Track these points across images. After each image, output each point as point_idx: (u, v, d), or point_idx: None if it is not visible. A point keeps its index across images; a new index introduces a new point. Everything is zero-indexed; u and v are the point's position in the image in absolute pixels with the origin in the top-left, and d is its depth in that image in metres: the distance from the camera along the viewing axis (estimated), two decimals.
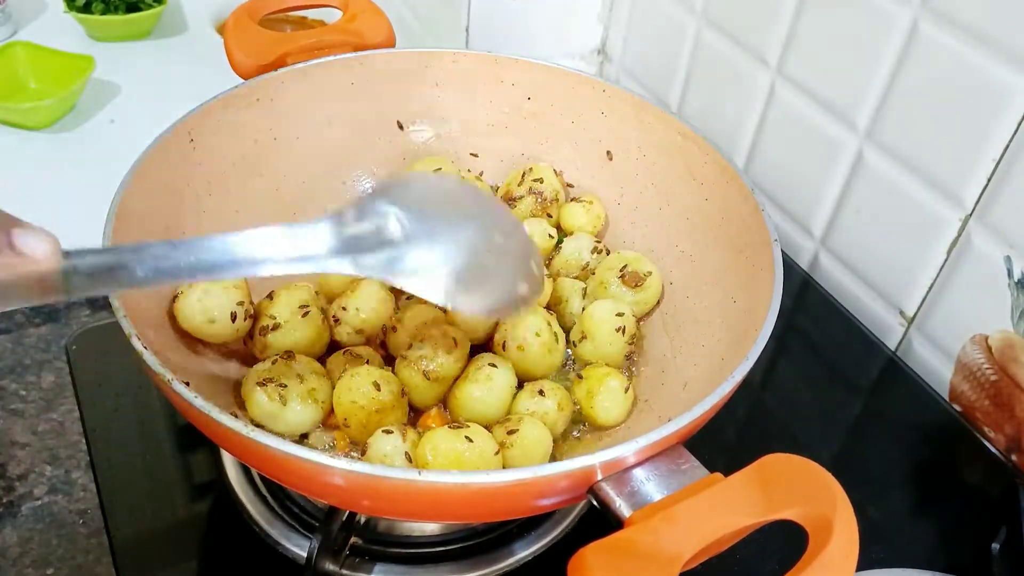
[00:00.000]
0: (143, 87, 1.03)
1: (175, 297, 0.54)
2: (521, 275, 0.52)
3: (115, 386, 0.65)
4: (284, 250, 0.44)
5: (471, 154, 0.73)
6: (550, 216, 0.69)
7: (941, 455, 0.67)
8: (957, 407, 0.70)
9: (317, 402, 0.53)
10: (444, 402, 0.57)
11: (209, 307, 0.53)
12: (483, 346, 0.60)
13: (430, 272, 0.47)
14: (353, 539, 0.54)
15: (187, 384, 0.42)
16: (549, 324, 0.58)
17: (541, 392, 0.55)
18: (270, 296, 0.58)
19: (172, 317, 0.54)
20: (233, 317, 0.54)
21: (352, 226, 0.46)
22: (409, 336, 0.57)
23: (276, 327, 0.56)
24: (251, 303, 0.57)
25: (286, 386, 0.52)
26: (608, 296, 0.62)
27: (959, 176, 0.65)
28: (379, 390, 0.52)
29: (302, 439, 0.53)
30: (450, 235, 0.48)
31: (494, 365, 0.55)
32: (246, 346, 0.58)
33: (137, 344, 0.44)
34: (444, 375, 0.55)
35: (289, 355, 0.54)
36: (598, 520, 0.40)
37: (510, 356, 0.57)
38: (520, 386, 0.56)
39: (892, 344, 0.75)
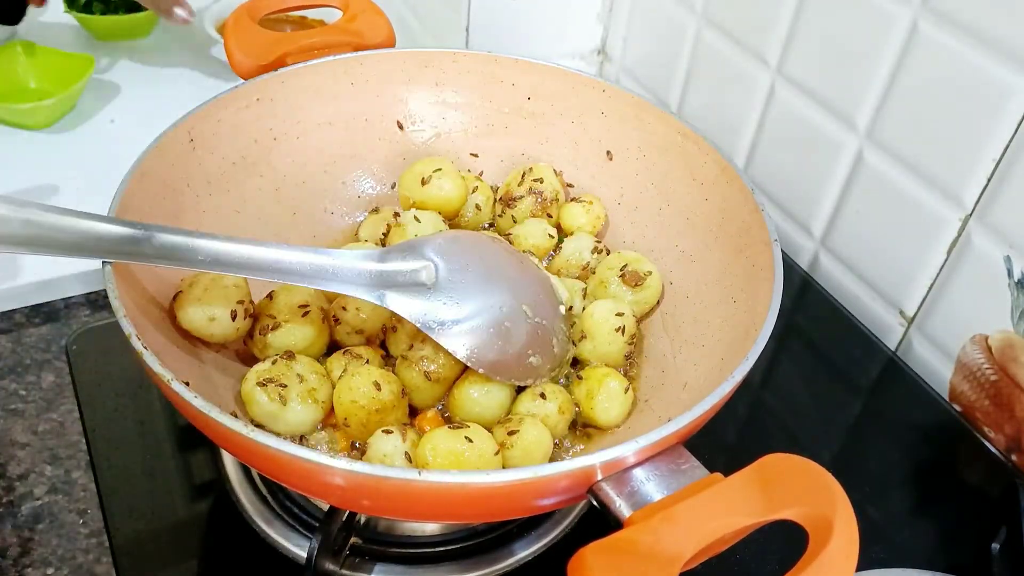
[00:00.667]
0: (143, 87, 1.03)
1: (175, 296, 0.54)
2: (537, 347, 0.55)
3: (115, 386, 0.65)
4: (326, 272, 0.51)
5: (471, 154, 0.73)
6: (550, 216, 0.69)
7: (941, 455, 0.67)
8: (957, 407, 0.70)
9: (317, 402, 0.53)
10: (442, 403, 0.57)
11: (209, 306, 0.53)
12: None
13: (447, 324, 0.52)
14: (353, 539, 0.54)
15: (187, 384, 0.42)
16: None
17: (543, 395, 0.55)
18: (270, 296, 0.58)
19: (172, 317, 0.54)
20: (233, 316, 0.54)
21: (391, 262, 0.53)
22: (409, 336, 0.57)
23: (276, 327, 0.56)
24: (251, 302, 0.57)
25: (286, 386, 0.52)
26: (608, 296, 0.62)
27: (959, 176, 0.65)
28: (379, 390, 0.52)
29: (302, 439, 0.53)
30: (480, 298, 0.54)
31: None
32: (246, 346, 0.58)
33: (137, 344, 0.44)
34: (445, 376, 0.55)
35: (289, 355, 0.54)
36: (598, 520, 0.40)
37: None
38: (521, 388, 0.56)
39: (892, 344, 0.75)
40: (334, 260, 0.52)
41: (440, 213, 0.67)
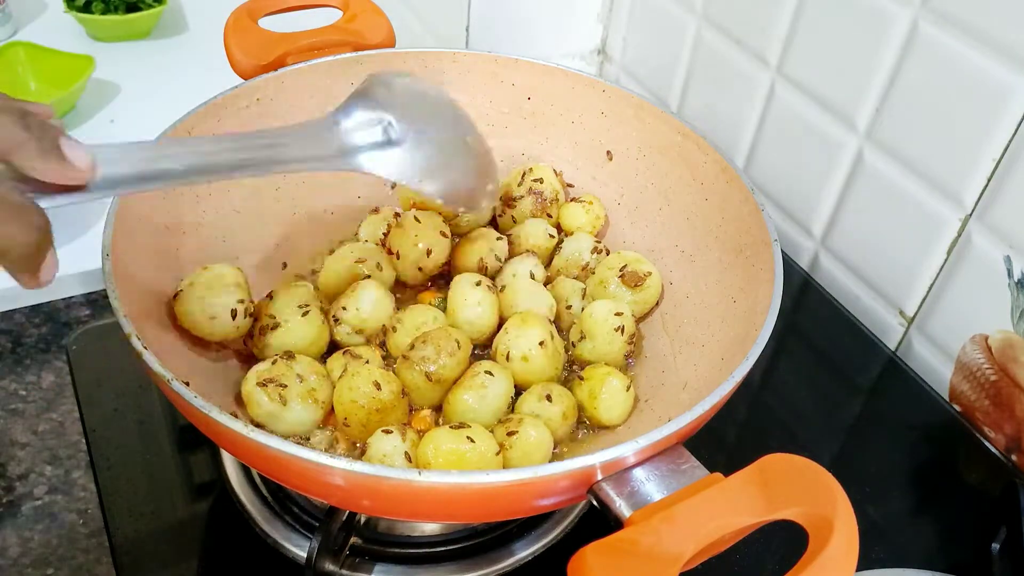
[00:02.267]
0: (143, 87, 1.03)
1: (175, 295, 0.54)
2: (488, 173, 0.58)
3: (115, 386, 0.65)
4: (301, 151, 0.50)
5: None
6: (550, 216, 0.69)
7: (941, 455, 0.67)
8: (957, 407, 0.70)
9: (317, 402, 0.53)
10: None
11: (210, 304, 0.53)
12: (483, 348, 0.60)
13: (413, 165, 0.53)
14: (353, 539, 0.54)
15: (187, 384, 0.42)
16: (552, 336, 0.57)
17: (548, 398, 0.54)
18: (269, 296, 0.58)
19: (172, 316, 0.54)
20: (233, 314, 0.54)
21: (354, 133, 0.52)
22: (409, 337, 0.57)
23: (276, 327, 0.56)
24: (251, 301, 0.57)
25: (286, 386, 0.52)
26: (607, 296, 0.62)
27: (959, 176, 0.65)
28: (380, 389, 0.52)
29: (302, 439, 0.53)
30: (432, 135, 0.54)
31: (490, 373, 0.55)
32: (246, 346, 0.58)
33: (137, 344, 0.44)
34: (446, 377, 0.55)
35: (289, 355, 0.54)
36: (598, 520, 0.40)
37: (513, 367, 0.56)
38: (520, 390, 0.56)
39: (892, 344, 0.75)
40: (295, 134, 0.50)
41: (439, 213, 0.67)
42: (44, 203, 0.39)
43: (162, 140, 0.52)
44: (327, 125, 0.51)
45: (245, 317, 0.55)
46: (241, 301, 0.55)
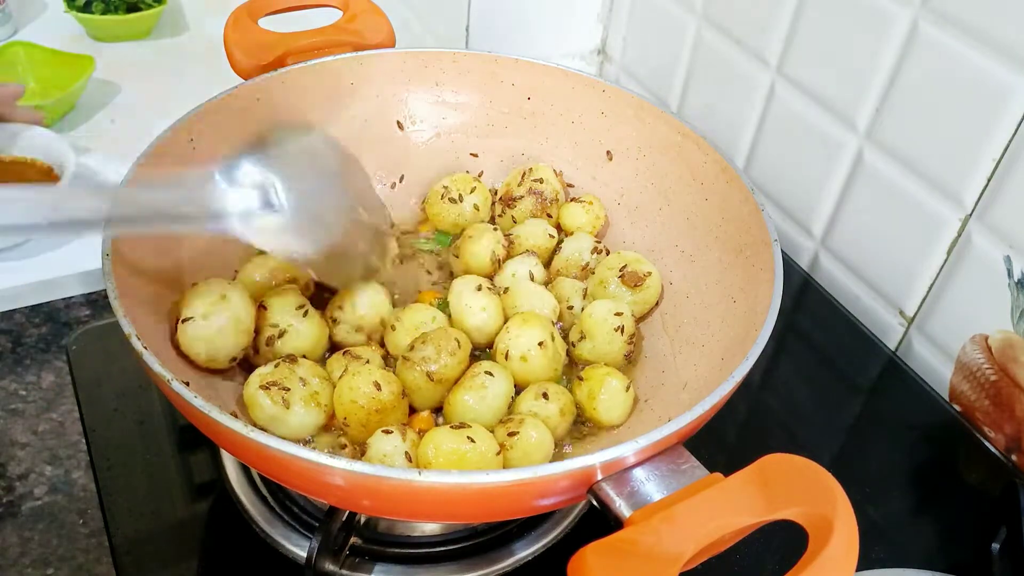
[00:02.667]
0: (143, 87, 1.03)
1: (182, 320, 0.52)
2: (377, 248, 0.59)
3: (115, 386, 0.65)
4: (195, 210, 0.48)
5: (471, 154, 0.73)
6: (550, 216, 0.69)
7: (941, 455, 0.67)
8: (957, 407, 0.70)
9: (320, 406, 0.52)
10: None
11: (213, 346, 0.52)
12: (483, 348, 0.60)
13: (297, 238, 0.51)
14: (353, 539, 0.54)
15: (187, 384, 0.42)
16: (553, 337, 0.57)
17: (545, 396, 0.54)
18: (262, 306, 0.56)
19: (171, 317, 0.54)
20: (231, 360, 0.54)
21: (243, 195, 0.50)
22: (409, 337, 0.57)
23: (283, 333, 0.55)
24: (252, 348, 0.55)
25: (289, 389, 0.51)
26: (607, 296, 0.62)
27: (959, 176, 0.65)
28: (380, 390, 0.52)
29: (305, 444, 0.53)
30: (320, 208, 0.53)
31: (490, 373, 0.54)
32: (249, 360, 0.57)
33: (137, 344, 0.44)
34: (447, 377, 0.54)
35: (291, 359, 0.53)
36: (598, 520, 0.40)
37: (512, 367, 0.56)
38: (519, 388, 0.56)
39: (892, 344, 0.75)
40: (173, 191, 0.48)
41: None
42: None
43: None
44: (203, 182, 0.49)
45: (237, 361, 0.55)
46: (244, 349, 0.54)
